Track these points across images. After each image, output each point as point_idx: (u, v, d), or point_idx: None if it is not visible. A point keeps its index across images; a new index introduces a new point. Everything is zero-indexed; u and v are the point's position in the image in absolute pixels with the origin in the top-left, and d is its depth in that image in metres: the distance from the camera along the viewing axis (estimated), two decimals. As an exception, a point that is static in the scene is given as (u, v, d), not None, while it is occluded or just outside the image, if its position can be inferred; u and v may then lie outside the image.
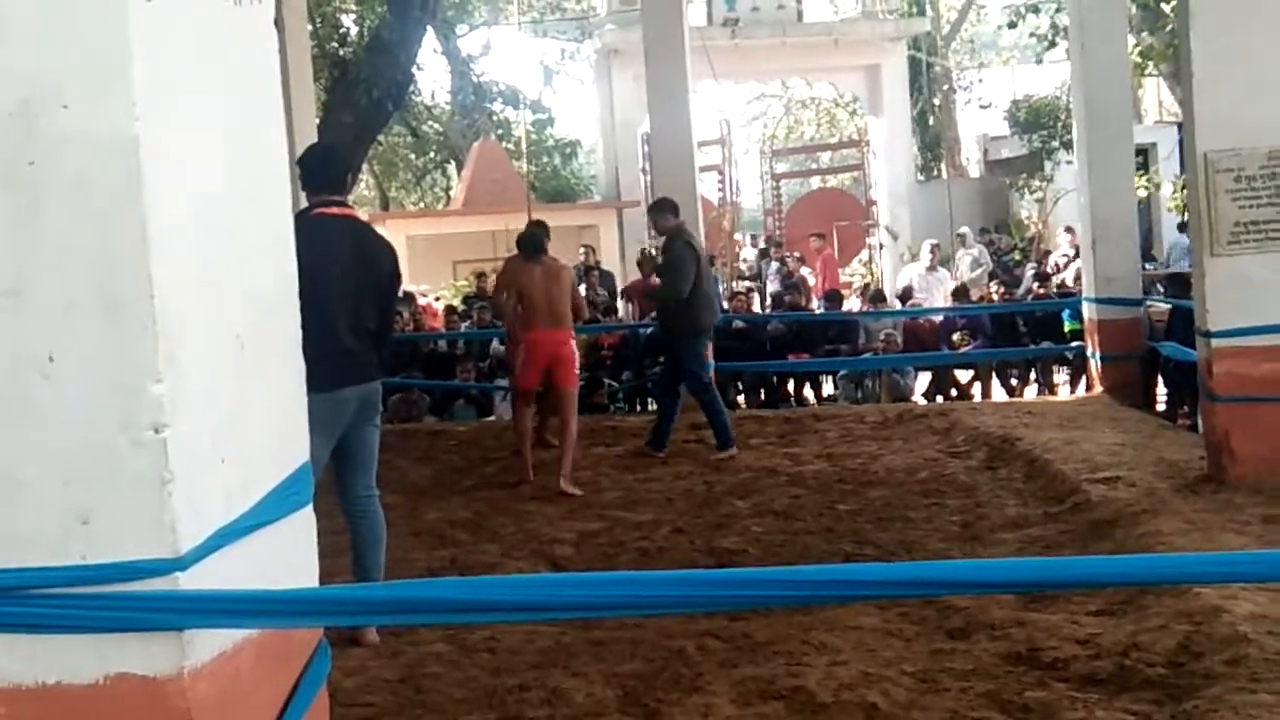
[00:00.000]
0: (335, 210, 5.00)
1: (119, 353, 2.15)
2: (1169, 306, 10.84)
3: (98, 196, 2.12)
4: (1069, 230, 15.53)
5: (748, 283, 17.21)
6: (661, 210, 9.46)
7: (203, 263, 2.31)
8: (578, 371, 8.81)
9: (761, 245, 22.63)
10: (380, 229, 18.93)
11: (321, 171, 5.05)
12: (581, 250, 17.55)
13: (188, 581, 2.20)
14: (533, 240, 8.65)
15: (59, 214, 2.13)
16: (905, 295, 14.42)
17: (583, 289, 14.70)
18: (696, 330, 9.19)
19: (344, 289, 4.88)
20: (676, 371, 9.47)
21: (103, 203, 2.12)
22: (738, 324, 12.89)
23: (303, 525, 2.70)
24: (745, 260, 21.15)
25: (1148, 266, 14.00)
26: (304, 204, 5.08)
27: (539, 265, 8.51)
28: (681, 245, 9.14)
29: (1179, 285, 11.11)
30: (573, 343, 8.62)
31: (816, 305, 15.23)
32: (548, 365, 8.41)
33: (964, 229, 17.55)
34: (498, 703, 4.27)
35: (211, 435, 2.32)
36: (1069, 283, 13.97)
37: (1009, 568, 3.10)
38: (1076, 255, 14.48)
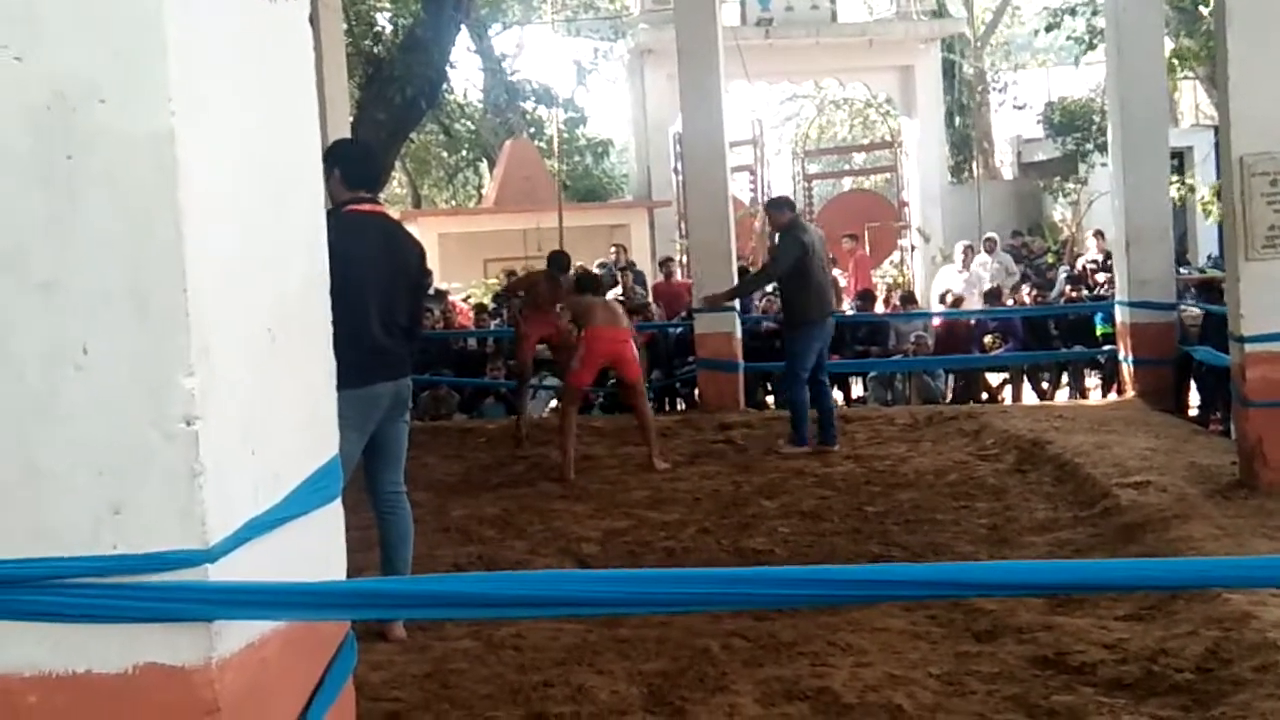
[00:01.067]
0: (367, 207, 5.03)
1: (151, 345, 2.17)
2: (1202, 310, 10.75)
3: (132, 191, 2.14)
4: (1098, 235, 15.41)
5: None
6: (778, 206, 9.82)
7: (235, 257, 2.33)
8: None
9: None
10: (412, 227, 19.10)
11: (357, 168, 5.07)
12: (613, 249, 17.55)
13: (217, 573, 2.22)
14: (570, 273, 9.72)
15: (94, 208, 2.15)
16: (955, 301, 14.16)
17: (618, 290, 14.80)
18: (805, 321, 9.33)
19: (376, 286, 4.90)
20: (802, 366, 9.56)
21: (137, 197, 2.14)
22: (767, 325, 12.88)
23: (331, 519, 2.72)
24: None
25: (1182, 270, 13.90)
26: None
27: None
28: (792, 237, 9.38)
29: (1210, 292, 11.04)
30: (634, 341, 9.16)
31: (848, 306, 15.19)
32: (610, 361, 8.90)
33: (992, 234, 17.45)
34: (523, 699, 4.28)
35: (242, 428, 2.33)
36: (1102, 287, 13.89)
37: (1036, 570, 3.09)
38: (1107, 259, 14.39)
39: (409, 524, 5.24)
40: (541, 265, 19.22)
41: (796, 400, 9.48)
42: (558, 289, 9.51)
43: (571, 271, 10.11)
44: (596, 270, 16.69)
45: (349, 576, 2.84)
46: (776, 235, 9.81)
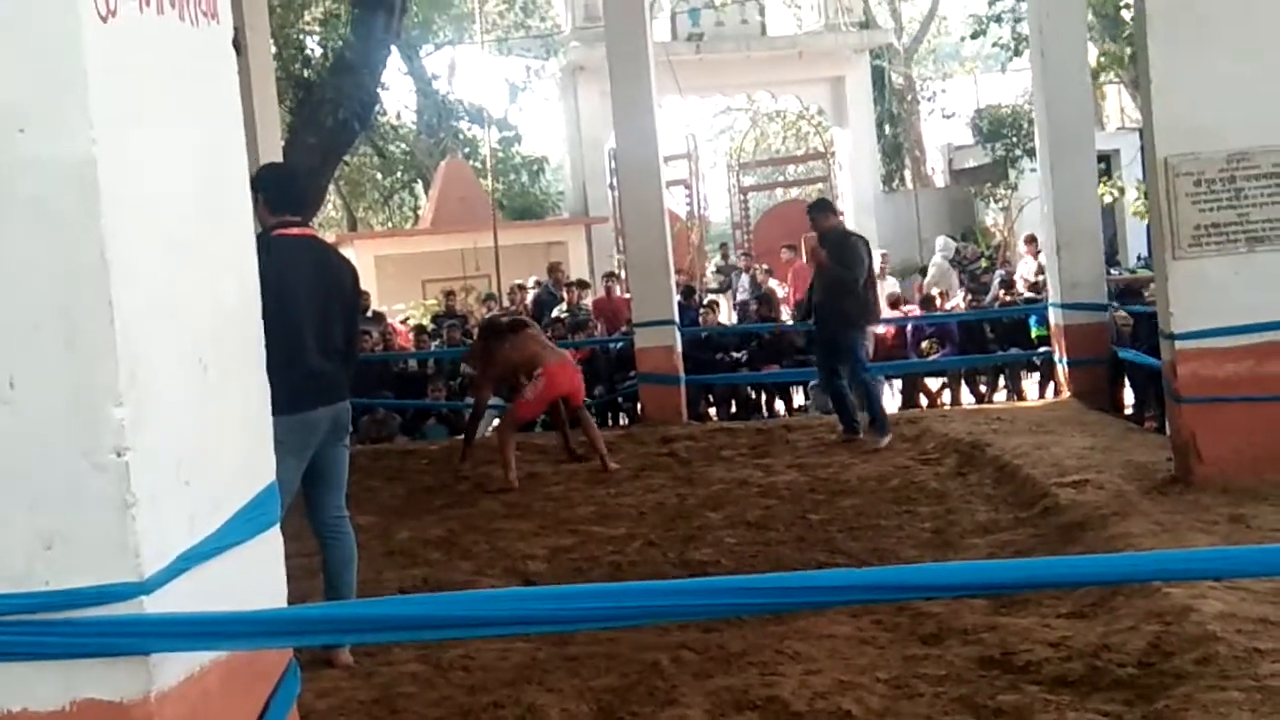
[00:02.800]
0: (295, 230, 4.98)
1: (80, 376, 2.14)
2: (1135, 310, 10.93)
3: (56, 219, 2.12)
4: (1030, 240, 15.61)
5: (713, 295, 17.18)
6: (823, 210, 10.04)
7: (164, 284, 2.31)
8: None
9: (720, 261, 22.73)
10: (349, 250, 19.00)
11: (281, 192, 5.02)
12: (549, 269, 17.54)
13: (153, 605, 2.19)
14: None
15: (17, 237, 2.12)
16: (894, 303, 14.30)
17: (563, 307, 14.85)
18: (864, 322, 9.73)
19: (310, 309, 4.86)
20: (833, 363, 9.85)
21: (61, 226, 2.12)
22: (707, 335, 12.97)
23: (270, 546, 2.70)
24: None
25: (1112, 271, 14.09)
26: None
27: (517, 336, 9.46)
28: (856, 238, 9.67)
29: (1132, 296, 11.27)
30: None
31: (787, 317, 15.25)
32: (563, 395, 9.32)
33: (941, 238, 17.61)
34: (473, 721, 4.25)
35: (175, 457, 2.31)
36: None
37: (979, 570, 3.12)
38: (1040, 270, 14.58)
39: (352, 549, 5.20)
40: (481, 285, 19.36)
41: (874, 393, 9.90)
42: (500, 345, 9.52)
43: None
44: (532, 288, 16.72)
45: (292, 604, 2.81)
46: (819, 237, 9.86)
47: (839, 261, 9.44)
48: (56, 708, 2.18)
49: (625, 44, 11.87)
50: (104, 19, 2.14)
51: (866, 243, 9.79)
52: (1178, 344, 6.75)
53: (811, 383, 13.07)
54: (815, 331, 10.40)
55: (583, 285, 16.76)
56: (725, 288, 19.38)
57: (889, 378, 12.86)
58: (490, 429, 12.45)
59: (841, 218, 10.06)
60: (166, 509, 2.26)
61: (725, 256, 22.58)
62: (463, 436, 10.36)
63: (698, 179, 24.38)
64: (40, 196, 2.11)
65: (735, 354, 13.21)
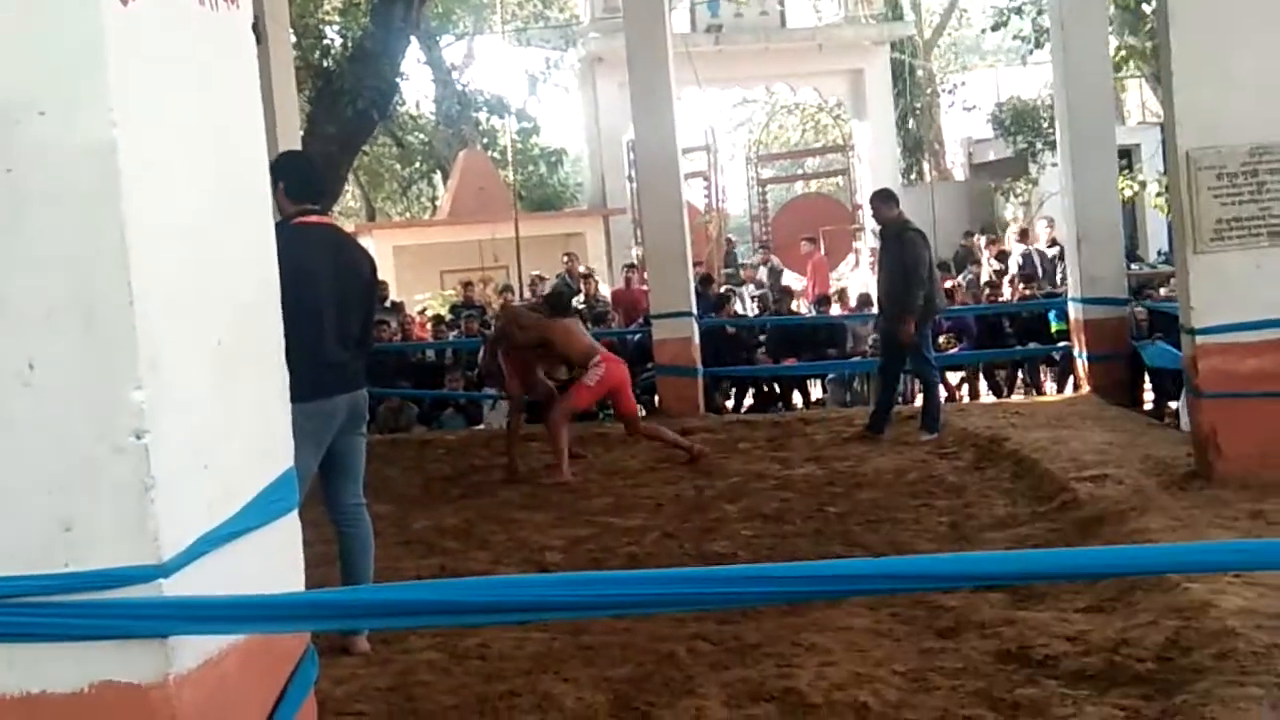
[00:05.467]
0: (314, 219, 4.99)
1: (99, 360, 2.14)
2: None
3: (76, 203, 2.12)
4: (1049, 222, 15.60)
5: (729, 287, 17.16)
6: (885, 200, 9.86)
7: (183, 269, 2.31)
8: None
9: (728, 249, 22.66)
10: (367, 240, 19.04)
11: (300, 181, 5.03)
12: (564, 258, 17.54)
13: (171, 588, 2.20)
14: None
15: (37, 221, 2.13)
16: None
17: (580, 297, 14.81)
18: (929, 315, 9.68)
19: (328, 298, 4.86)
20: (896, 357, 9.80)
21: (81, 209, 2.12)
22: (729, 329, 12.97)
23: (287, 531, 2.70)
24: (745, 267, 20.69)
25: (1133, 266, 14.04)
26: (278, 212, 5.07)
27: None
28: (915, 235, 9.53)
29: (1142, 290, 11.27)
30: None
31: (806, 309, 15.26)
32: (617, 387, 9.04)
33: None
34: (489, 709, 4.25)
35: (193, 442, 2.31)
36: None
37: (995, 560, 3.11)
38: (1052, 244, 14.59)
39: (369, 537, 5.21)
40: (499, 276, 19.36)
41: (933, 388, 9.87)
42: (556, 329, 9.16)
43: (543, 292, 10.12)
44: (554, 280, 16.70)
45: (309, 590, 2.81)
46: (880, 229, 9.88)
47: (903, 260, 9.39)
48: (75, 689, 2.18)
49: (644, 35, 11.86)
50: (124, 2, 2.14)
51: (925, 235, 9.71)
52: (1198, 339, 6.71)
53: (829, 376, 13.09)
54: (878, 323, 10.39)
55: (585, 277, 16.73)
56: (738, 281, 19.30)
57: (906, 371, 12.84)
58: (505, 419, 12.48)
59: (901, 210, 9.90)
60: (185, 492, 2.26)
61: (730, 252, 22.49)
62: (505, 433, 9.72)
63: (716, 171, 24.36)
64: (60, 180, 2.11)
65: (758, 346, 13.20)
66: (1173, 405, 10.09)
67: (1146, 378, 10.76)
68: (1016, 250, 16.01)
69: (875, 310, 11.10)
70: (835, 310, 14.39)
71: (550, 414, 9.07)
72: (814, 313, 14.80)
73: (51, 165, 2.12)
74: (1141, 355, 10.43)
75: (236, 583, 2.40)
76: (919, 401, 10.16)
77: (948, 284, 13.58)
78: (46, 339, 2.15)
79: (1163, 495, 6.46)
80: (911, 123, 28.11)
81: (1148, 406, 10.64)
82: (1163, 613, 4.51)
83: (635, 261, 18.11)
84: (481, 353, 12.89)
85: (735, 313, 14.32)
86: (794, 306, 16.08)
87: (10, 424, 2.16)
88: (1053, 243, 14.96)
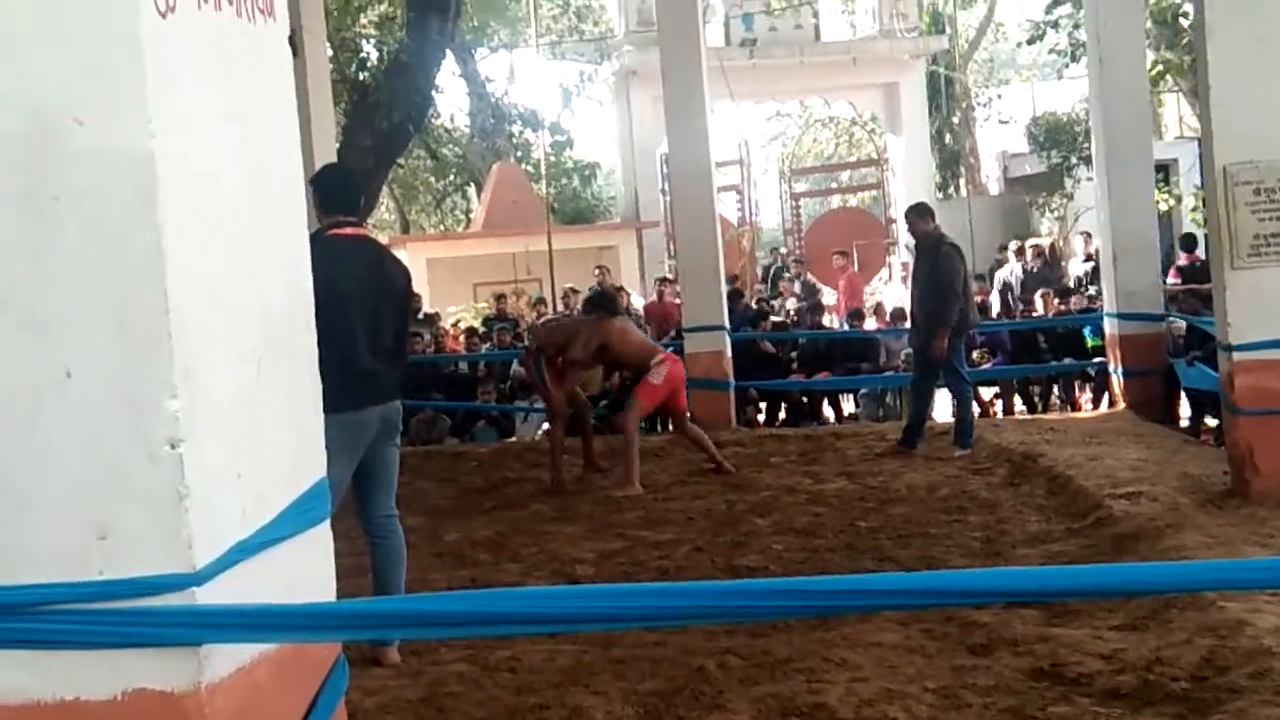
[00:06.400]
0: (349, 231, 5.02)
1: (135, 368, 2.16)
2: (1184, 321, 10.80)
3: (113, 212, 2.14)
4: (1086, 236, 15.55)
5: (762, 299, 17.10)
6: (921, 214, 9.84)
7: (218, 279, 2.33)
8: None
9: (772, 263, 22.50)
10: (401, 252, 19.08)
11: (336, 193, 5.07)
12: (596, 271, 17.56)
13: (205, 596, 2.21)
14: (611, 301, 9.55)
15: (74, 230, 2.15)
16: None
17: None
18: (963, 329, 9.66)
19: (362, 309, 4.89)
20: (930, 372, 9.78)
21: (118, 218, 2.14)
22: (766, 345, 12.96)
23: (320, 541, 2.71)
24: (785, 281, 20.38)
25: (1170, 281, 13.95)
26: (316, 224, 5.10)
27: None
28: (951, 249, 9.52)
29: (1195, 298, 11.10)
30: None
31: (838, 324, 15.22)
32: (676, 388, 9.05)
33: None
34: (518, 721, 4.26)
35: (227, 450, 2.33)
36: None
37: (1029, 576, 3.08)
38: (1087, 260, 14.55)
39: (402, 549, 5.22)
40: (532, 288, 19.41)
41: (966, 403, 9.84)
42: (609, 328, 9.07)
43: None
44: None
45: (341, 600, 2.82)
46: (915, 243, 9.94)
47: (939, 275, 9.37)
48: (108, 697, 2.20)
49: (678, 49, 11.88)
50: (163, 14, 2.16)
51: (960, 250, 9.69)
52: (1235, 355, 6.66)
53: (862, 390, 13.04)
54: (911, 337, 10.36)
55: (618, 290, 16.71)
56: (774, 294, 19.23)
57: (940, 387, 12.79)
58: (538, 432, 12.51)
59: (938, 224, 9.89)
60: (219, 501, 2.27)
61: (778, 262, 22.37)
62: (549, 445, 9.55)
63: (750, 185, 24.35)
64: (97, 189, 2.14)
65: (791, 362, 13.17)
66: (1210, 422, 10.00)
67: (1183, 394, 10.67)
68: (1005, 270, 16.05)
69: (908, 324, 11.04)
70: (871, 324, 14.33)
71: (622, 424, 9.04)
72: (846, 327, 14.74)
73: (89, 175, 2.14)
74: (1178, 373, 10.33)
75: (269, 592, 2.41)
76: (951, 416, 10.09)
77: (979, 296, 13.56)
78: (83, 348, 2.17)
79: (1198, 513, 6.41)
80: (949, 138, 28.02)
81: (1184, 423, 10.55)
82: (1198, 631, 4.47)
83: (668, 274, 18.11)
84: (516, 363, 12.98)
85: (773, 324, 14.24)
86: (826, 321, 16.04)
87: (46, 432, 2.19)
88: (1089, 258, 14.88)
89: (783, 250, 21.76)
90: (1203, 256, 16.15)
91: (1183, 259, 14.09)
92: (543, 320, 13.84)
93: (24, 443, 2.18)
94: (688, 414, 9.52)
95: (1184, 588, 3.85)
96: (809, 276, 19.02)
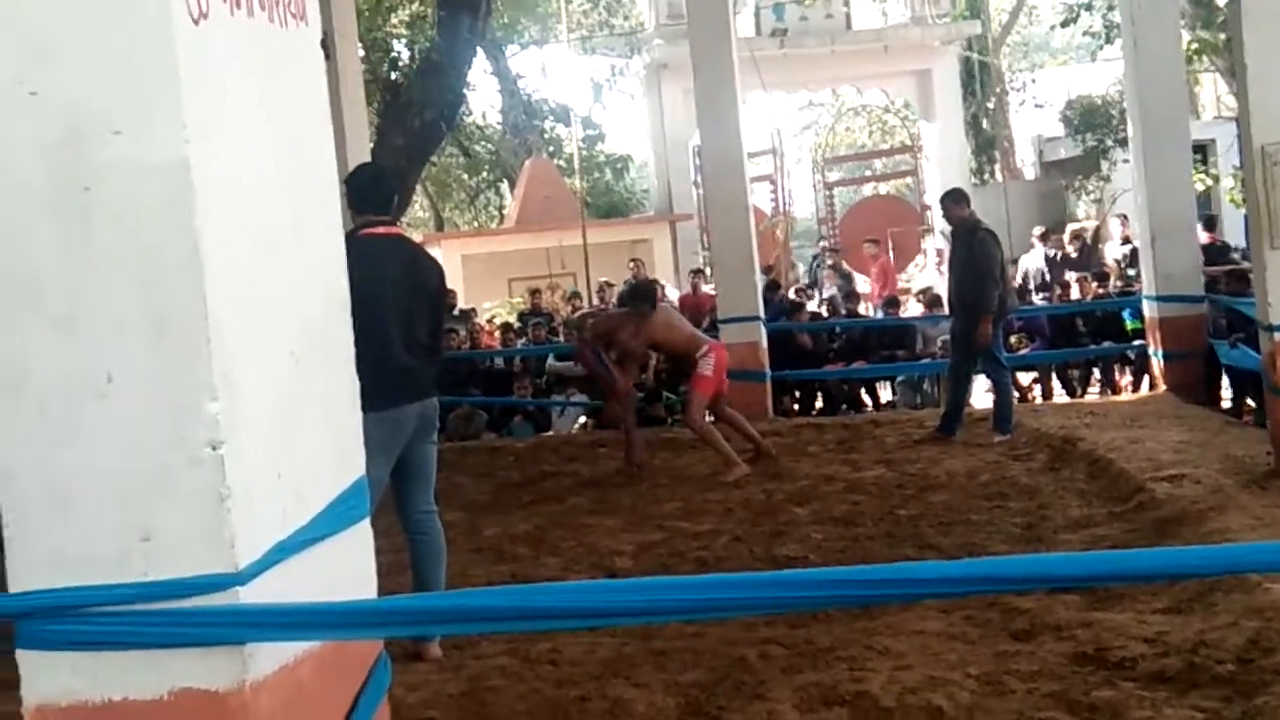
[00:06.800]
0: (383, 230, 5.05)
1: (174, 372, 2.19)
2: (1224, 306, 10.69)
3: (150, 219, 2.16)
4: (1123, 219, 15.39)
5: (799, 288, 17.04)
6: (956, 200, 9.80)
7: (255, 282, 2.35)
8: None
9: (816, 257, 22.39)
10: (435, 249, 19.17)
11: (369, 192, 5.10)
12: (631, 264, 17.57)
13: (248, 596, 2.24)
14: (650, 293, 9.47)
15: (112, 237, 2.18)
16: None
17: None
18: (1001, 315, 9.63)
19: (397, 308, 4.92)
20: (967, 357, 9.74)
21: (155, 225, 2.17)
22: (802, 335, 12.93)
23: (360, 538, 2.73)
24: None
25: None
26: (350, 224, 5.13)
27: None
28: (986, 235, 9.49)
29: (1239, 281, 10.94)
30: None
31: (872, 312, 15.15)
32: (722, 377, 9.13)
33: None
34: (560, 714, 4.27)
35: (267, 451, 2.35)
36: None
37: (1072, 562, 3.08)
38: (1125, 243, 14.42)
39: (441, 545, 5.24)
40: (566, 283, 19.43)
41: (1005, 389, 9.79)
42: (650, 320, 9.15)
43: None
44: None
45: (382, 597, 2.84)
46: (951, 229, 9.97)
47: (974, 263, 9.33)
48: (155, 696, 2.23)
49: (709, 41, 11.84)
50: (196, 21, 2.18)
51: (996, 235, 9.64)
52: (1277, 335, 6.59)
53: (899, 378, 12.99)
54: (951, 324, 10.33)
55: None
56: (812, 284, 19.17)
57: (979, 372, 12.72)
58: (575, 426, 12.54)
59: (973, 209, 9.81)
60: (260, 501, 2.30)
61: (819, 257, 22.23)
62: (624, 437, 9.51)
63: (783, 175, 24.27)
64: (135, 196, 2.16)
65: (832, 348, 13.13)
66: (1252, 404, 9.90)
67: (1224, 376, 10.57)
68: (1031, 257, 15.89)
69: (946, 311, 11.00)
70: (916, 309, 14.25)
71: (689, 421, 9.09)
72: (881, 315, 14.67)
73: (126, 182, 2.17)
74: (1218, 353, 10.24)
75: (311, 590, 2.43)
76: (990, 402, 10.04)
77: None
78: (123, 352, 2.20)
79: (1242, 494, 6.35)
80: (984, 123, 27.84)
81: (1225, 405, 10.45)
82: (1243, 614, 4.44)
83: (701, 266, 18.09)
84: (551, 358, 13.00)
85: (809, 315, 14.17)
86: (860, 310, 15.97)
87: (89, 436, 2.22)
88: (1125, 240, 14.76)
89: (823, 243, 21.61)
90: (1223, 237, 16.06)
91: (1204, 238, 13.95)
92: (579, 313, 13.86)
93: (67, 446, 2.21)
94: (726, 400, 9.51)
95: (1228, 570, 3.81)
96: (844, 265, 18.92)
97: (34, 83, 2.16)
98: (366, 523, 2.78)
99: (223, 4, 2.27)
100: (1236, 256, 13.69)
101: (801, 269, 22.06)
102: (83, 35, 2.15)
